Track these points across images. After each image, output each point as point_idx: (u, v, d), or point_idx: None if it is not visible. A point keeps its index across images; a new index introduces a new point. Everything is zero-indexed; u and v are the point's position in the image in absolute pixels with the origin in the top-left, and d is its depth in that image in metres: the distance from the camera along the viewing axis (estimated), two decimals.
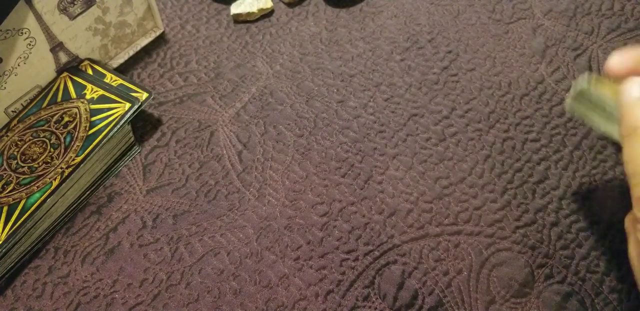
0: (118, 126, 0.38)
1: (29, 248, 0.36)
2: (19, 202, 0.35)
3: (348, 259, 0.35)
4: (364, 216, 0.37)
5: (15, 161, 0.38)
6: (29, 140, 0.38)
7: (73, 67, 0.42)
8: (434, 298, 0.34)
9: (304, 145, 0.41)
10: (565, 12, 0.47)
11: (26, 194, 0.36)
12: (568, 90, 0.43)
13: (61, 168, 0.36)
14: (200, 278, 0.35)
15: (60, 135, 0.38)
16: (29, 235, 0.35)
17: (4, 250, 0.34)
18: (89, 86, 0.40)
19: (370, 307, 0.34)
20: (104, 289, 0.35)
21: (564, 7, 0.48)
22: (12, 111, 0.40)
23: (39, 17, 0.37)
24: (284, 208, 0.38)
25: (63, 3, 0.38)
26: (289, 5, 0.50)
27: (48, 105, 0.40)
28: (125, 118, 0.38)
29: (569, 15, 0.47)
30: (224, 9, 0.50)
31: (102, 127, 0.38)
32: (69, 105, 0.40)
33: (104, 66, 0.42)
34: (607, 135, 0.33)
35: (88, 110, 0.39)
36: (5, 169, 0.37)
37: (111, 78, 0.41)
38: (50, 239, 0.37)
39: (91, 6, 0.40)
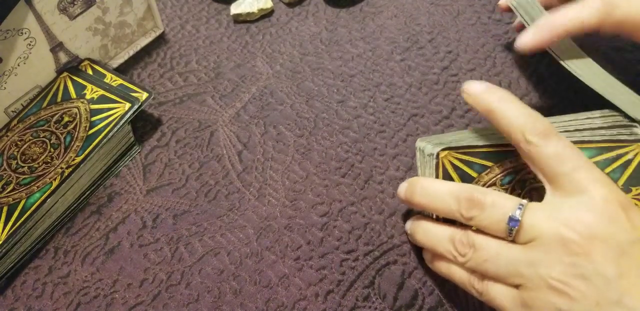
0: (118, 126, 0.38)
1: (29, 248, 0.36)
2: (19, 202, 0.35)
3: (348, 259, 0.35)
4: (364, 216, 0.37)
5: (15, 161, 0.38)
6: (29, 140, 0.38)
7: (73, 67, 0.42)
8: (434, 298, 0.34)
9: (304, 145, 0.41)
10: None
11: (26, 194, 0.36)
12: (568, 90, 0.43)
13: (61, 168, 0.36)
14: (200, 278, 0.35)
15: (60, 135, 0.38)
16: (29, 235, 0.35)
17: (4, 250, 0.34)
18: (89, 86, 0.40)
19: (370, 307, 0.34)
20: (104, 289, 0.35)
21: None
22: (12, 111, 0.40)
23: (39, 17, 0.37)
24: (284, 208, 0.38)
25: (63, 3, 0.38)
26: (289, 5, 0.50)
27: (48, 105, 0.40)
28: (125, 119, 0.38)
29: None
30: (224, 9, 0.50)
31: (102, 127, 0.38)
32: (69, 105, 0.40)
33: (104, 66, 0.42)
34: None
35: (88, 110, 0.39)
36: (5, 169, 0.37)
37: (111, 79, 0.41)
38: (50, 239, 0.37)
39: (91, 6, 0.40)
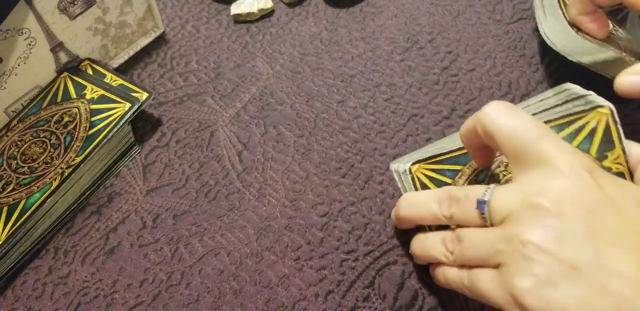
0: (118, 126, 0.38)
1: (29, 248, 0.36)
2: (19, 202, 0.35)
3: (348, 259, 0.35)
4: (364, 216, 0.37)
5: (15, 161, 0.38)
6: (29, 140, 0.38)
7: (73, 67, 0.42)
8: (434, 299, 0.34)
9: (304, 145, 0.41)
10: None
11: (26, 194, 0.36)
12: None
13: (61, 168, 0.36)
14: (200, 279, 0.35)
15: (60, 135, 0.38)
16: (29, 235, 0.35)
17: (4, 250, 0.34)
18: (89, 86, 0.40)
19: (370, 307, 0.34)
20: (104, 289, 0.35)
21: None
22: (12, 111, 0.40)
23: (39, 17, 0.37)
24: (284, 209, 0.38)
25: (63, 3, 0.38)
26: (289, 5, 0.50)
27: (48, 105, 0.40)
28: (125, 119, 0.38)
29: None
30: (224, 9, 0.50)
31: (102, 127, 0.38)
32: (69, 105, 0.40)
33: (104, 66, 0.42)
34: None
35: (88, 110, 0.39)
36: (5, 169, 0.37)
37: (111, 79, 0.41)
38: (50, 239, 0.37)
39: (91, 6, 0.40)
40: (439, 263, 0.31)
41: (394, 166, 0.34)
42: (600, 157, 0.30)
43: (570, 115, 0.30)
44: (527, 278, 0.24)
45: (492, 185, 0.28)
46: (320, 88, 0.44)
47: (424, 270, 0.35)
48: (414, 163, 0.33)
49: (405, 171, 0.33)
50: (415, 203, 0.31)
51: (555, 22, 0.38)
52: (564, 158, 0.26)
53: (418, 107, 0.42)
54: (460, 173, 0.32)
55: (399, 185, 0.33)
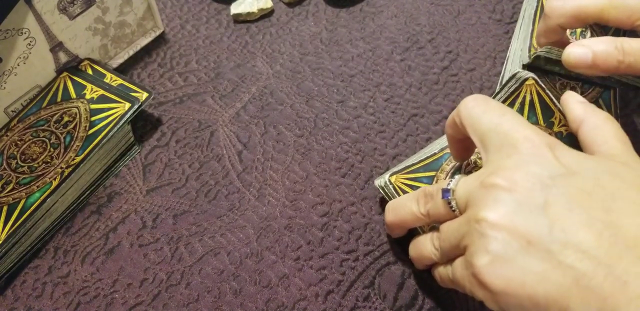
0: (118, 126, 0.38)
1: (29, 248, 0.36)
2: (19, 201, 0.35)
3: (348, 259, 0.35)
4: (364, 216, 0.37)
5: (15, 161, 0.38)
6: (29, 139, 0.38)
7: (73, 67, 0.42)
8: (434, 299, 0.34)
9: (304, 145, 0.41)
10: None
11: (26, 194, 0.36)
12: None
13: (61, 168, 0.36)
14: (200, 278, 0.35)
15: (60, 135, 0.38)
16: (28, 235, 0.35)
17: (3, 250, 0.34)
18: (89, 86, 0.40)
19: (370, 307, 0.34)
20: (104, 289, 0.35)
21: None
22: (12, 111, 0.40)
23: (38, 17, 0.37)
24: (284, 209, 0.38)
25: (63, 3, 0.38)
26: (289, 5, 0.50)
27: (48, 105, 0.40)
28: (125, 118, 0.38)
29: None
30: (224, 9, 0.50)
31: (102, 127, 0.38)
32: (69, 105, 0.40)
33: (104, 66, 0.42)
34: None
35: (88, 110, 0.39)
36: (5, 169, 0.37)
37: (111, 78, 0.41)
38: (50, 239, 0.37)
39: (91, 6, 0.40)
40: (437, 264, 0.31)
41: (377, 182, 0.36)
42: (549, 125, 0.32)
43: (510, 96, 0.32)
44: (484, 256, 0.24)
45: (457, 176, 0.28)
46: (320, 88, 0.44)
47: (424, 270, 0.35)
48: (391, 175, 0.34)
49: (386, 183, 0.34)
50: (397, 207, 0.32)
51: (522, 44, 0.40)
52: (523, 135, 0.26)
53: (418, 107, 0.42)
54: (435, 179, 0.34)
55: (386, 198, 0.35)
